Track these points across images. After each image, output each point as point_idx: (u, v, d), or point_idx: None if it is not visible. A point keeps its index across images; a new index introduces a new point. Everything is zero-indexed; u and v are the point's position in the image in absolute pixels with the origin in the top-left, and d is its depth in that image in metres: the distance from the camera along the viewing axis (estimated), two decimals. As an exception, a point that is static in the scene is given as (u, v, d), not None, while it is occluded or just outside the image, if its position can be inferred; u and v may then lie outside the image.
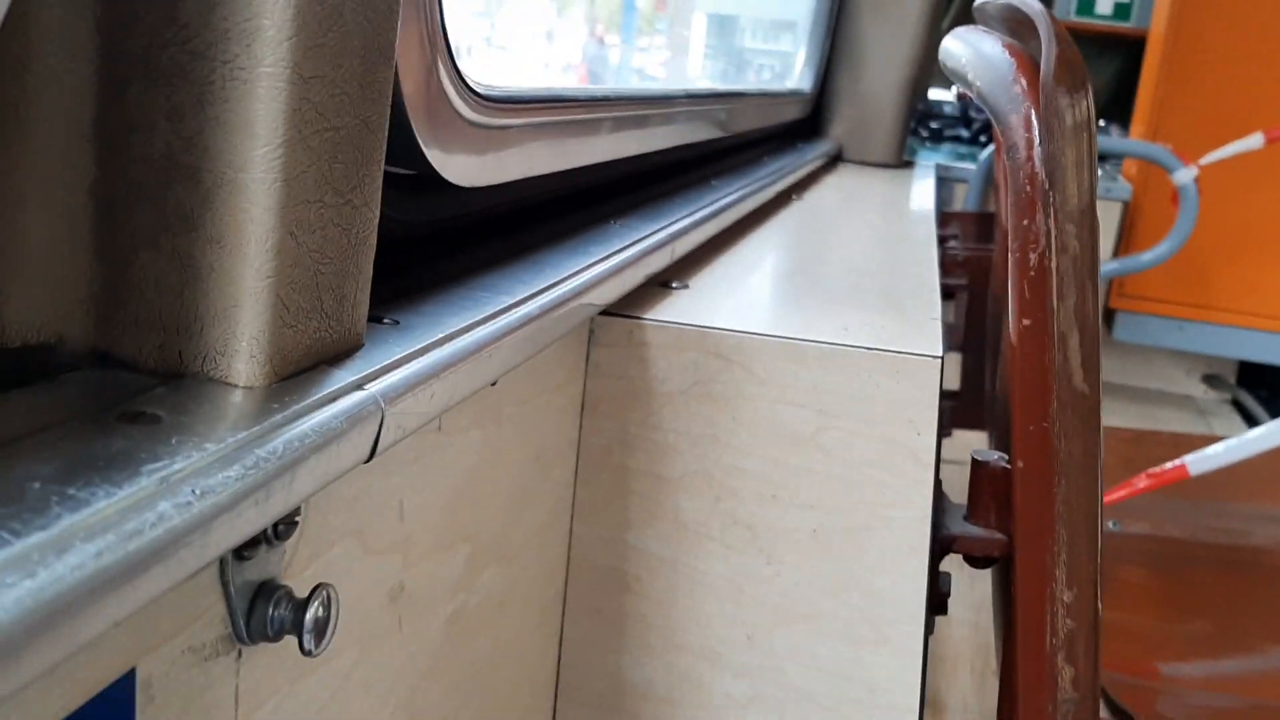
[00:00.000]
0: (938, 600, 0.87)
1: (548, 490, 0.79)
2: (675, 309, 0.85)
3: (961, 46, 0.84)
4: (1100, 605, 0.76)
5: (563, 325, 0.69)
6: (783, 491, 0.81)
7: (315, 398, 0.41)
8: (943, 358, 0.78)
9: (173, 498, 0.33)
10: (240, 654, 0.42)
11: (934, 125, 3.30)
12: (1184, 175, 2.60)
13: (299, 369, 0.43)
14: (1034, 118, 0.71)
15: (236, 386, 0.41)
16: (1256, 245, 2.73)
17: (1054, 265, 0.71)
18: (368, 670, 0.53)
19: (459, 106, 0.62)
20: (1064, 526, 0.74)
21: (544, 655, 0.83)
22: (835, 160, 2.25)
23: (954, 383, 2.03)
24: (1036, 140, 0.70)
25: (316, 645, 0.42)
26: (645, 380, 0.82)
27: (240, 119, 0.39)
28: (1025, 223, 0.72)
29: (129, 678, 0.35)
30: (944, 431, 1.99)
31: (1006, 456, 0.83)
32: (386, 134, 0.46)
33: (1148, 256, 2.67)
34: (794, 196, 1.61)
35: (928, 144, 3.18)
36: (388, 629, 0.55)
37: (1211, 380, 3.24)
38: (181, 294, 0.40)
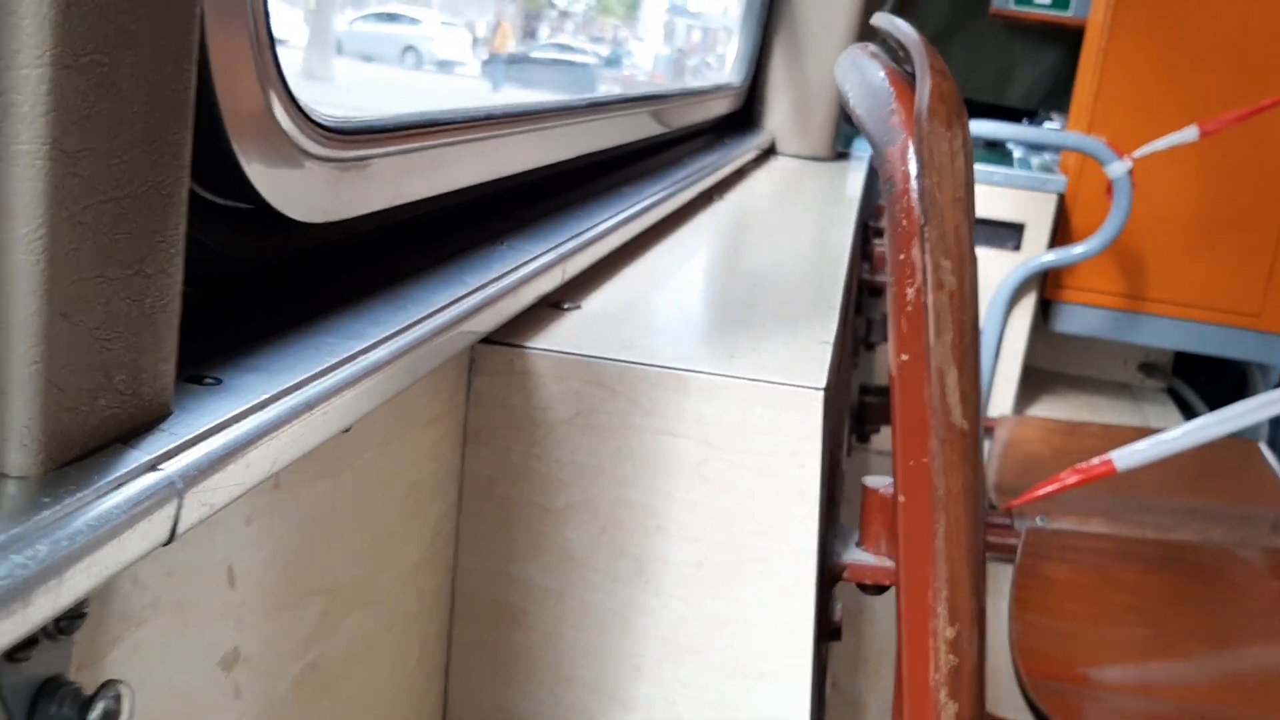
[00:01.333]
0: (830, 629, 0.86)
1: (424, 525, 0.77)
2: (562, 335, 0.83)
3: (848, 69, 0.82)
4: (984, 640, 0.75)
5: (430, 360, 0.67)
6: (668, 523, 0.79)
7: (95, 485, 0.39)
8: (826, 388, 0.77)
9: (-109, 625, 0.30)
10: (21, 758, 0.39)
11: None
12: (1118, 168, 2.61)
13: (85, 451, 0.41)
14: (911, 151, 0.69)
15: (8, 477, 0.38)
16: (1190, 237, 2.75)
17: (929, 301, 0.69)
18: (191, 748, 0.51)
19: (300, 141, 0.59)
20: (945, 562, 0.73)
21: (427, 692, 0.82)
22: (768, 154, 2.23)
23: (884, 378, 2.02)
24: (912, 174, 0.69)
25: (103, 747, 0.40)
26: (528, 409, 0.80)
27: None
28: (902, 257, 0.70)
29: None
30: (872, 428, 1.98)
31: (894, 487, 0.82)
32: (186, 195, 0.44)
33: (1082, 248, 2.68)
34: (715, 197, 1.59)
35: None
36: (221, 701, 0.53)
37: (1148, 369, 3.27)
38: None
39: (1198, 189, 2.73)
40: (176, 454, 0.43)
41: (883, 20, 0.80)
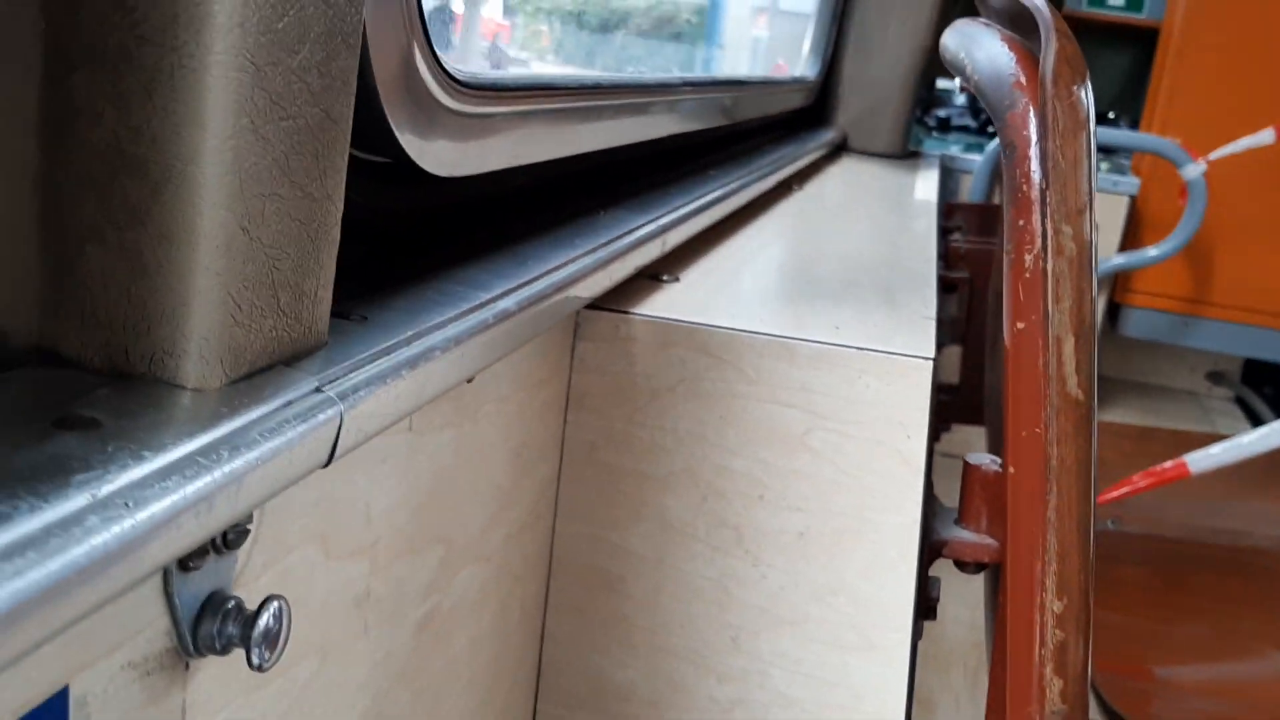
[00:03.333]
0: (927, 606, 0.86)
1: (530, 487, 0.77)
2: (664, 303, 0.83)
3: (961, 40, 0.82)
4: (1091, 615, 0.74)
5: (545, 320, 0.67)
6: (770, 492, 0.79)
7: (267, 400, 0.40)
8: (935, 359, 0.77)
9: (103, 511, 0.31)
10: (188, 666, 0.40)
11: (941, 115, 3.27)
12: (1192, 170, 2.57)
13: (253, 370, 0.41)
14: (1032, 115, 0.69)
15: (185, 389, 0.39)
16: (1263, 242, 2.70)
17: (1049, 267, 0.69)
18: (330, 678, 0.51)
19: (437, 94, 0.60)
20: (1055, 535, 0.72)
21: (524, 654, 0.82)
22: (839, 150, 2.22)
23: (954, 376, 2.01)
24: (1034, 139, 0.68)
25: (267, 659, 0.40)
26: (632, 376, 0.81)
27: (189, 109, 0.37)
28: (1021, 223, 0.70)
29: (62, 696, 0.34)
30: (942, 427, 1.98)
31: (999, 460, 0.82)
32: (351, 124, 0.44)
33: (1154, 252, 2.64)
34: (795, 186, 1.59)
35: (935, 134, 3.15)
36: (352, 635, 0.53)
37: (1215, 377, 3.22)
38: (129, 291, 0.38)
39: (1272, 193, 2.69)
40: (337, 379, 0.43)
41: (1005, -14, 0.79)
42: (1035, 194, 0.69)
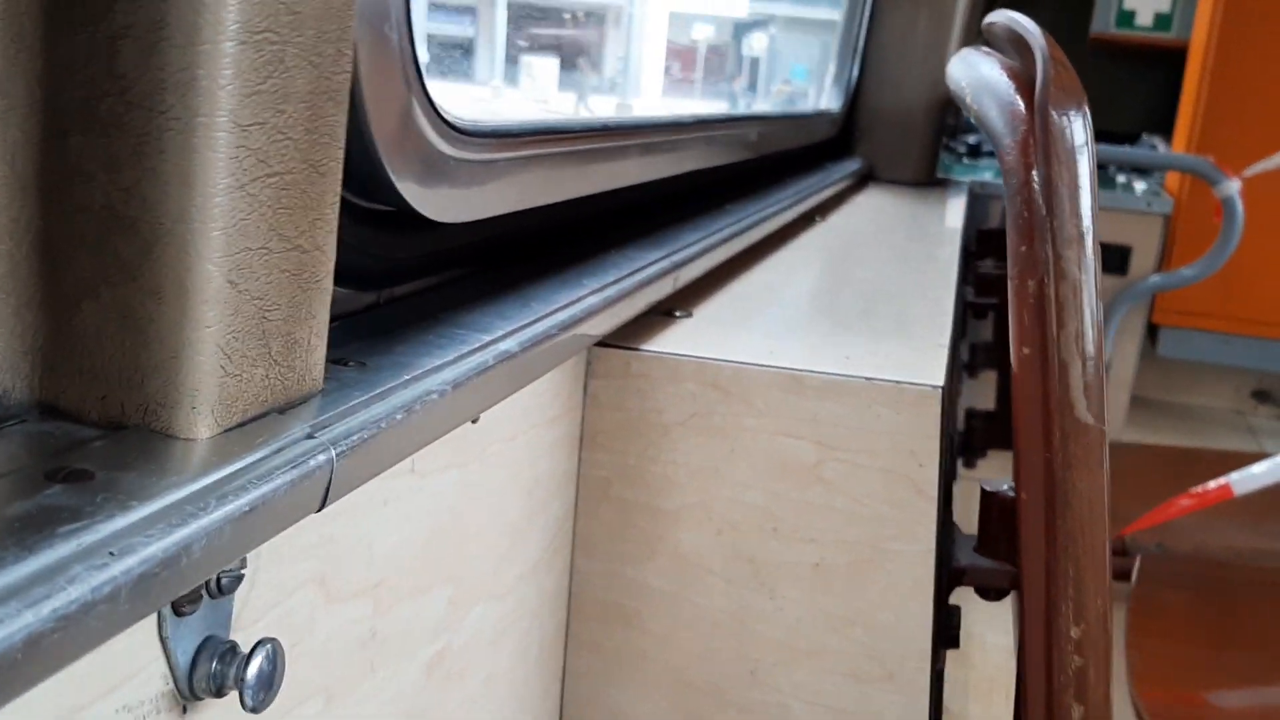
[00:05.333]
0: (948, 634, 0.85)
1: (545, 524, 0.78)
2: (675, 339, 0.84)
3: (963, 68, 0.82)
4: (1110, 641, 0.73)
5: (550, 360, 0.68)
6: (784, 525, 0.79)
7: (258, 448, 0.41)
8: (943, 388, 0.77)
9: (87, 559, 0.32)
10: (185, 710, 0.41)
11: (971, 141, 3.26)
12: (1228, 188, 2.55)
13: (245, 418, 0.42)
14: (1030, 141, 0.69)
15: (177, 438, 0.40)
16: (1305, 258, 2.67)
17: (1053, 292, 0.69)
18: (335, 718, 0.52)
19: (436, 142, 0.61)
20: (1068, 561, 0.71)
21: (546, 691, 0.82)
22: (865, 180, 2.23)
23: (989, 402, 2.00)
24: (1033, 165, 0.69)
25: (261, 700, 0.41)
26: (643, 412, 0.81)
27: (176, 169, 0.38)
28: (1023, 249, 0.70)
29: (53, 739, 0.35)
30: (978, 454, 1.96)
31: (1015, 486, 0.81)
32: (340, 176, 0.46)
33: (1192, 271, 2.62)
34: (817, 218, 1.59)
35: (965, 160, 3.14)
36: (358, 676, 0.54)
37: (1261, 396, 3.17)
38: (123, 345, 0.40)
39: (1311, 209, 2.66)
40: (330, 424, 0.45)
41: (1000, 16, 0.80)
42: (1037, 220, 0.69)
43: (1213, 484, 2.01)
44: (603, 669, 0.84)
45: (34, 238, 0.40)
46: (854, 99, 2.22)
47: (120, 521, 0.34)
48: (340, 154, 0.46)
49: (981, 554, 0.83)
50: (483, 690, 0.70)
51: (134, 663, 0.38)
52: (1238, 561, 2.02)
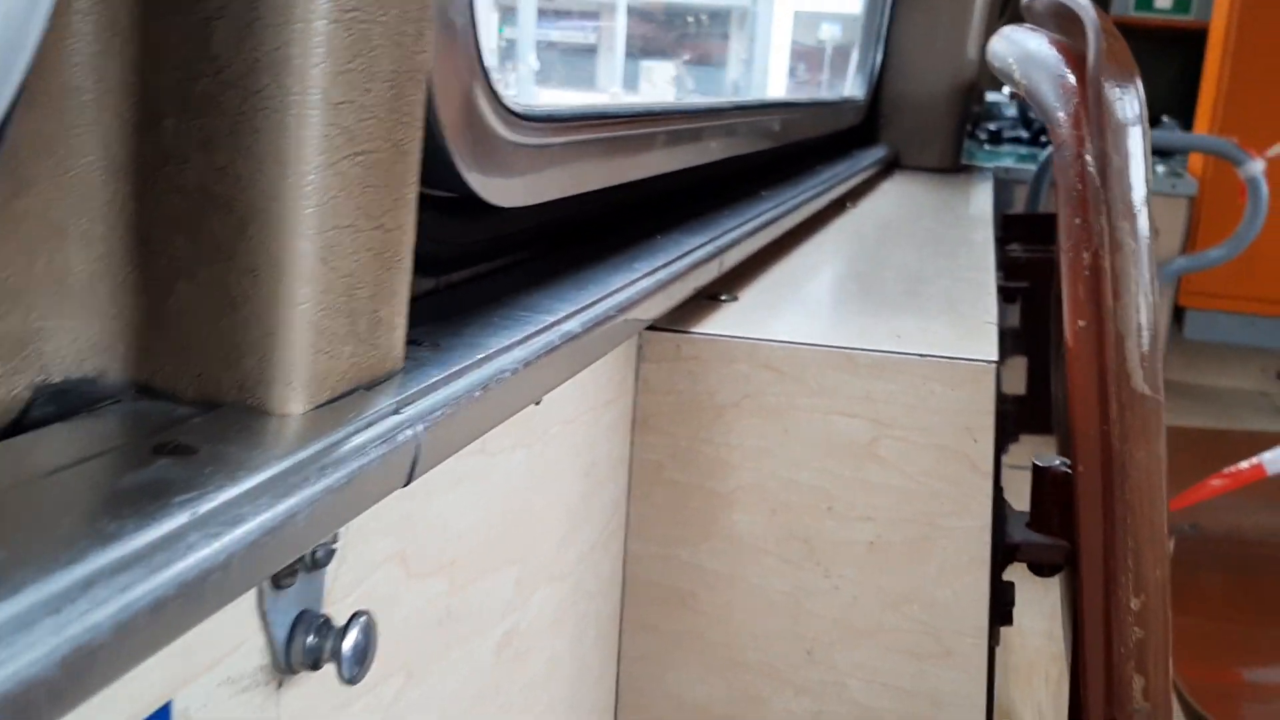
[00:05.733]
0: (1002, 611, 0.85)
1: (600, 507, 0.78)
2: (724, 322, 0.84)
3: (1008, 45, 0.82)
4: (1169, 611, 0.73)
5: (608, 341, 0.69)
6: (838, 503, 0.80)
7: (351, 423, 0.41)
8: (998, 363, 0.77)
9: (203, 528, 0.33)
10: (280, 684, 0.42)
11: (992, 128, 3.25)
12: (1252, 168, 2.54)
13: (335, 395, 0.43)
14: (1083, 114, 0.69)
15: (273, 414, 0.41)
16: (1331, 237, 2.66)
17: (1109, 264, 0.69)
18: (415, 696, 0.53)
19: (497, 127, 0.61)
20: (1127, 532, 0.72)
21: (602, 674, 0.83)
22: (891, 167, 2.22)
23: (1019, 387, 1.99)
24: (1086, 136, 0.69)
25: (356, 673, 0.42)
26: (695, 394, 0.82)
27: (270, 148, 0.39)
28: (1077, 221, 0.70)
29: (164, 711, 0.35)
30: (1010, 437, 1.97)
31: (1069, 461, 0.82)
32: (420, 157, 0.46)
33: (1217, 252, 2.61)
34: (848, 204, 1.60)
35: (986, 147, 3.13)
36: (435, 654, 0.55)
37: (1289, 377, 3.15)
38: (218, 324, 0.40)
39: (1337, 188, 2.64)
40: (414, 401, 0.45)
41: (1048, -10, 0.80)
42: (1091, 192, 0.69)
43: (1244, 464, 2.01)
44: (658, 651, 0.84)
45: (128, 220, 0.40)
46: (878, 86, 2.22)
47: (230, 492, 0.35)
48: (420, 134, 0.46)
49: (1035, 530, 0.83)
50: (545, 672, 0.71)
51: (236, 636, 0.39)
52: (1272, 540, 2.01)
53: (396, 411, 0.44)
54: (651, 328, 0.82)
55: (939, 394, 0.77)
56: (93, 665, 0.28)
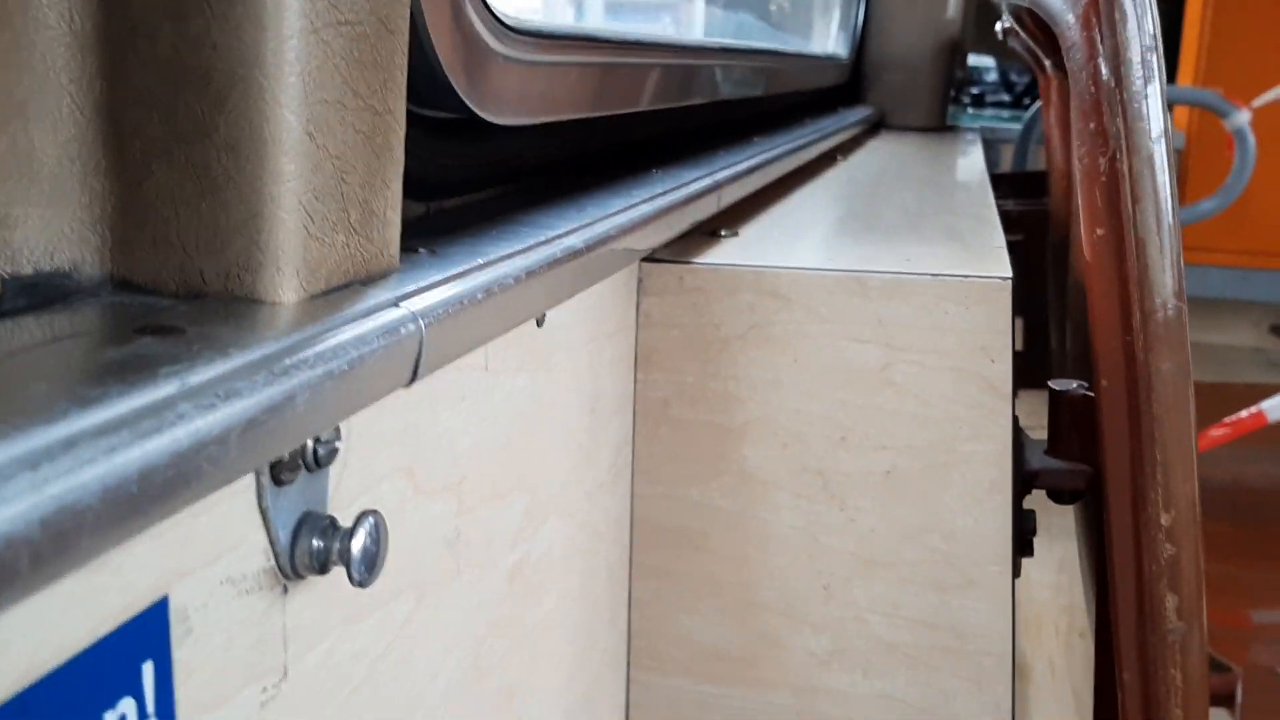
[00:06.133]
0: (1023, 540, 0.83)
1: (606, 445, 0.75)
2: (726, 254, 0.82)
3: (1009, -45, 0.80)
4: (1200, 527, 0.71)
5: (609, 265, 0.66)
6: (853, 433, 0.77)
7: (350, 313, 0.38)
8: (1013, 279, 0.74)
9: (195, 399, 0.30)
10: (286, 590, 0.39)
11: (975, 91, 3.24)
12: (1238, 119, 2.52)
13: (330, 286, 0.40)
14: (1093, 14, 0.67)
15: (264, 303, 0.38)
16: (1320, 187, 2.65)
17: (1126, 168, 0.66)
18: (426, 619, 0.50)
19: (487, 38, 0.59)
20: (1155, 446, 0.69)
21: (614, 619, 0.80)
22: (877, 126, 2.20)
23: (1017, 344, 1.97)
24: (1098, 36, 0.66)
25: (366, 578, 0.39)
26: (699, 328, 0.79)
27: (247, 11, 0.36)
28: (1092, 126, 0.67)
29: (162, 606, 0.32)
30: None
31: (1086, 384, 0.79)
32: (407, 37, 0.43)
33: (1207, 205, 2.59)
34: (839, 157, 1.57)
35: (970, 110, 3.12)
36: (446, 577, 0.52)
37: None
38: (199, 208, 0.38)
39: (1325, 136, 2.63)
40: (414, 296, 0.42)
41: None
42: (1104, 93, 0.66)
43: (1245, 413, 1.99)
44: (671, 594, 0.82)
45: (97, 99, 0.37)
46: (860, 48, 2.20)
47: (222, 367, 0.32)
48: (407, 14, 0.43)
49: (1054, 456, 0.81)
50: (557, 608, 0.68)
51: (237, 532, 0.36)
52: (1275, 487, 2.00)
53: (396, 305, 0.41)
54: (651, 260, 0.79)
55: (953, 314, 0.74)
56: (78, 531, 0.25)
